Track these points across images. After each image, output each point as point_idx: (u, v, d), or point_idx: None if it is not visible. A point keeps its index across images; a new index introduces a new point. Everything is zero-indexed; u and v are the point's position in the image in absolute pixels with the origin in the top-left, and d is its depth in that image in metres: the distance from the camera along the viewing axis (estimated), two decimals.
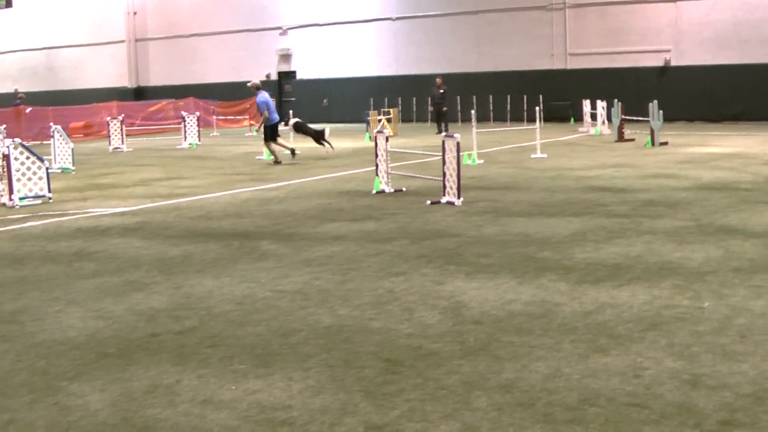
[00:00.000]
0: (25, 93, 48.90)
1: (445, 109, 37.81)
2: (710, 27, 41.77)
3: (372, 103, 47.52)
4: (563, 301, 7.92)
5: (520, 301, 8.00)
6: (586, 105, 36.20)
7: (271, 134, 24.76)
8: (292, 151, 25.18)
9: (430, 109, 40.42)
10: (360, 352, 6.66)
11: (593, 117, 35.01)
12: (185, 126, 34.44)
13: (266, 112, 24.88)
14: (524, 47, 46.11)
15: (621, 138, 29.32)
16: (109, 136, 33.20)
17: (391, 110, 38.57)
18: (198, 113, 37.14)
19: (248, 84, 25.71)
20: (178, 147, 33.06)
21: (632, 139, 29.19)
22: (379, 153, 16.87)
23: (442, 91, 37.81)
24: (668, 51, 42.77)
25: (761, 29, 40.51)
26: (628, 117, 30.61)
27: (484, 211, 13.76)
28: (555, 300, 7.98)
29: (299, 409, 5.51)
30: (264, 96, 25.43)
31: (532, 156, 23.64)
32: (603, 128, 33.69)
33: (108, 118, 34.69)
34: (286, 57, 53.34)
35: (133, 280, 9.50)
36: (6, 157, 16.66)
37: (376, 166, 16.97)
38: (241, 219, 13.81)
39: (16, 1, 62.27)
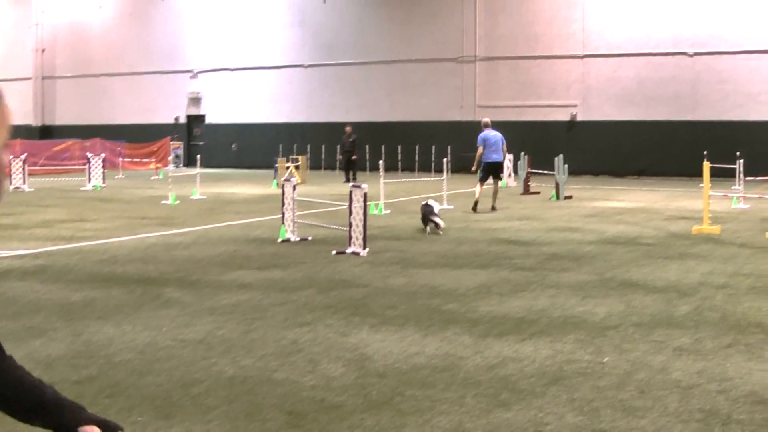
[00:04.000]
0: None
1: (354, 157, 37.97)
2: (616, 83, 42.85)
3: (281, 149, 47.49)
4: (467, 355, 7.95)
5: (425, 354, 8.00)
6: None
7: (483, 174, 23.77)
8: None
9: (339, 157, 40.46)
10: (262, 404, 6.58)
11: None
12: (90, 167, 33.95)
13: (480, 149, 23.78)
14: (435, 98, 46.66)
15: (527, 191, 29.74)
16: (10, 176, 32.58)
17: (300, 157, 38.60)
18: (104, 154, 36.67)
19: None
20: (83, 188, 32.57)
21: (538, 192, 29.62)
22: (285, 201, 16.82)
23: (351, 139, 37.99)
24: (575, 106, 43.67)
25: (665, 87, 41.69)
26: (534, 170, 31.08)
27: (390, 262, 13.78)
28: (459, 353, 8.00)
29: None
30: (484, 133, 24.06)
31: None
32: (509, 180, 34.12)
33: (10, 157, 34.07)
34: (195, 100, 53.15)
35: (31, 326, 9.26)
36: None
37: (282, 214, 16.91)
38: (145, 264, 13.61)
39: None
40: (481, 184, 23.61)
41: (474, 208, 22.80)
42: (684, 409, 6.44)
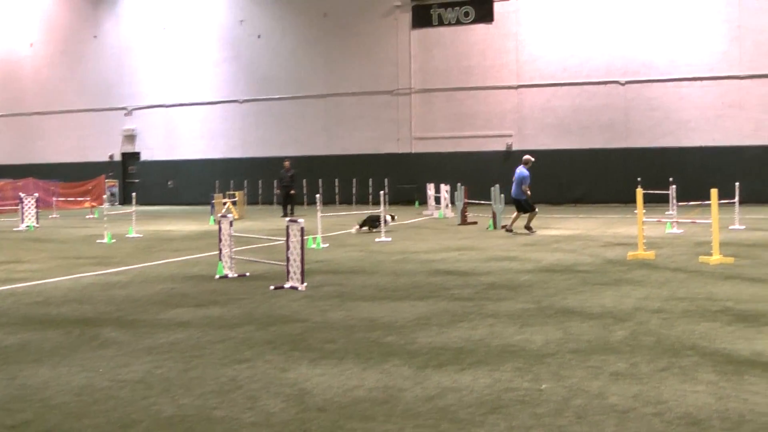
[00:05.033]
0: None
1: (293, 192, 37.93)
2: (551, 113, 43.39)
3: (218, 185, 47.32)
4: (407, 386, 7.96)
5: (364, 387, 8.00)
6: (431, 188, 36.85)
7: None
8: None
9: (277, 191, 40.25)
10: None
11: (437, 200, 35.66)
12: (23, 207, 33.52)
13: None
14: (371, 131, 46.86)
15: (464, 221, 29.91)
16: None
17: (237, 193, 38.49)
18: (37, 194, 36.24)
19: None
20: (16, 229, 32.14)
21: (475, 222, 29.80)
22: (222, 237, 16.77)
23: (290, 174, 37.91)
24: (510, 136, 44.07)
25: (599, 116, 42.28)
26: (471, 200, 31.27)
27: (329, 296, 13.77)
28: (399, 385, 8.02)
29: None
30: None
31: (377, 240, 23.85)
32: (447, 211, 34.31)
33: None
34: (130, 138, 52.82)
35: None
36: None
37: (220, 250, 16.84)
38: (81, 305, 13.46)
39: None
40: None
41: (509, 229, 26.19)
42: None
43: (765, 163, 39.76)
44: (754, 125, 40.42)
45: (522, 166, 26.18)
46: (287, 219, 15.51)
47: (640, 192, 19.16)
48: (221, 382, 8.35)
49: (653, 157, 41.03)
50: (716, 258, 17.16)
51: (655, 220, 22.73)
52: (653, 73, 41.83)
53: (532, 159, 26.72)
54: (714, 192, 17.78)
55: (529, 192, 25.89)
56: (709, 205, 18.06)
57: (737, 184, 27.02)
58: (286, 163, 38.67)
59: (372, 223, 26.61)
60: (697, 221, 21.28)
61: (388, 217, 26.90)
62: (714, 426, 6.60)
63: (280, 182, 38.66)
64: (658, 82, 41.77)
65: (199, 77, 50.85)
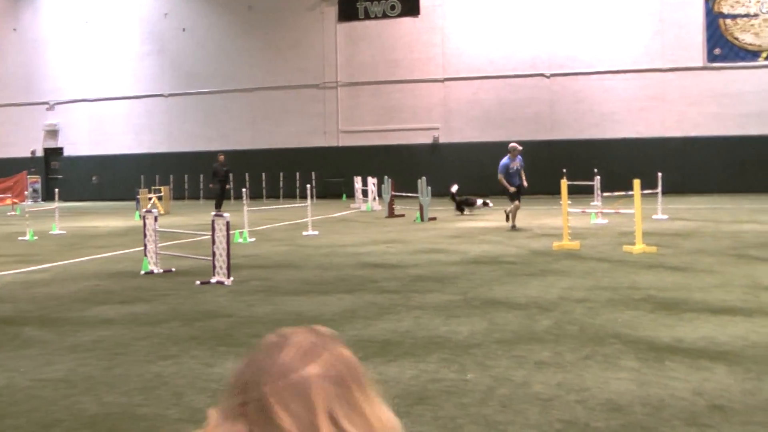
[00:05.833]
0: None
1: (228, 186, 37.48)
2: (477, 105, 43.65)
3: (143, 180, 46.85)
4: None
5: None
6: (358, 182, 36.88)
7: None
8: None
9: (211, 186, 39.16)
10: None
11: (365, 193, 35.70)
12: None
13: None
14: (298, 125, 46.74)
15: (391, 214, 29.96)
16: None
17: (163, 188, 38.11)
18: None
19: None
20: None
21: (402, 215, 29.86)
22: (147, 233, 16.60)
23: (226, 168, 37.24)
24: (437, 129, 44.26)
25: (524, 108, 42.65)
26: (399, 193, 31.34)
27: (255, 291, 13.71)
28: None
29: None
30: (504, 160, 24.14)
31: (304, 233, 23.80)
32: (374, 204, 34.36)
33: None
34: (53, 133, 52.03)
35: None
36: None
37: (145, 246, 16.67)
38: (2, 304, 13.21)
39: None
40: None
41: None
42: (544, 420, 6.58)
43: (687, 155, 40.44)
44: (677, 117, 41.09)
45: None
46: (213, 213, 15.40)
47: (564, 183, 19.37)
48: (146, 378, 8.27)
49: (578, 148, 41.51)
50: (639, 247, 17.41)
51: (580, 210, 22.99)
52: (578, 66, 42.32)
53: (519, 147, 24.40)
54: (637, 182, 18.03)
55: (504, 182, 23.84)
56: (632, 195, 18.31)
57: (660, 174, 27.44)
58: (221, 157, 37.84)
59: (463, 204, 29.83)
60: (621, 211, 21.56)
61: (479, 201, 30.46)
62: (635, 411, 6.70)
63: (215, 176, 37.55)
64: (582, 75, 42.27)
65: (123, 71, 50.27)
